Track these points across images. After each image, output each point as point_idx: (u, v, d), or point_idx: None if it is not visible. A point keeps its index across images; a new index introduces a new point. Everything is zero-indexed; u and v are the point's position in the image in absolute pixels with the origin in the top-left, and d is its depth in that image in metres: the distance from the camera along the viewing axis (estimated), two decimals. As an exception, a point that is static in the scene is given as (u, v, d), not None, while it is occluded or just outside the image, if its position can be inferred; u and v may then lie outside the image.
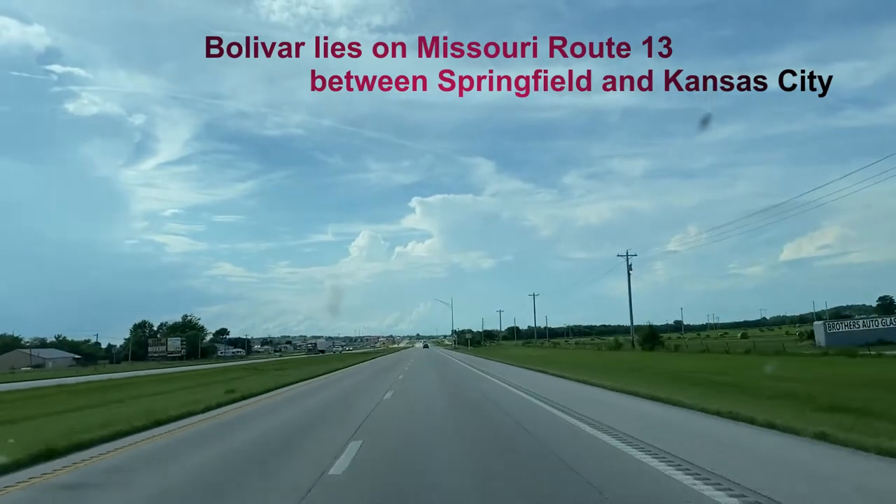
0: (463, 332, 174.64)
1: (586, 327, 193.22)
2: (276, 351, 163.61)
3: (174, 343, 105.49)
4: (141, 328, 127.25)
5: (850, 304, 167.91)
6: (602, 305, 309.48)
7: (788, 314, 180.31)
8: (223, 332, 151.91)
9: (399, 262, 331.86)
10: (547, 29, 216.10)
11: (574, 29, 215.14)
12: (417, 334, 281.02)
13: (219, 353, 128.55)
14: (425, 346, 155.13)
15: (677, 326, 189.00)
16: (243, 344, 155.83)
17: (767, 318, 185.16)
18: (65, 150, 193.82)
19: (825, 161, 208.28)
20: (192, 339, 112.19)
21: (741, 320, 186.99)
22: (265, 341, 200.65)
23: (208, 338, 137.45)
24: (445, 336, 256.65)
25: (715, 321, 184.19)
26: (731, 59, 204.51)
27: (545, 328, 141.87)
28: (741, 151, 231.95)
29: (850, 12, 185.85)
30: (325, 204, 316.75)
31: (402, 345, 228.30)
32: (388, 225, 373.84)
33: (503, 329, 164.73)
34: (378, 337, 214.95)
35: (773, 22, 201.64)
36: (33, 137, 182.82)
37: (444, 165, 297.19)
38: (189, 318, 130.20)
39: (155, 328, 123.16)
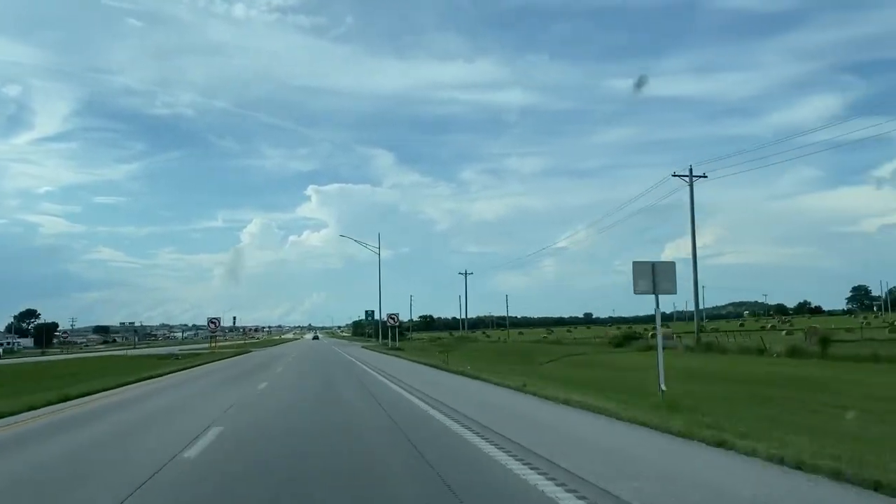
0: (360, 321, 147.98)
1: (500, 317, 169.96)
2: (105, 342, 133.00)
3: None
4: None
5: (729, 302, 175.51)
6: (494, 300, 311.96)
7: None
8: (30, 313, 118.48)
9: (293, 252, 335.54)
10: (450, 22, 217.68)
11: (476, 24, 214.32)
12: (309, 324, 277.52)
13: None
14: (315, 338, 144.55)
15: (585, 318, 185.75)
16: (46, 332, 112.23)
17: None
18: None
19: (706, 167, 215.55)
20: None
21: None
22: (99, 328, 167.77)
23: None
24: (340, 327, 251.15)
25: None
26: (624, 63, 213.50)
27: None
28: (630, 154, 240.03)
29: (735, 27, 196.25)
30: (215, 189, 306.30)
31: (289, 336, 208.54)
32: (282, 213, 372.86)
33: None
34: (215, 327, 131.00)
35: (663, 31, 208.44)
36: None
37: (342, 155, 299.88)
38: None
39: None
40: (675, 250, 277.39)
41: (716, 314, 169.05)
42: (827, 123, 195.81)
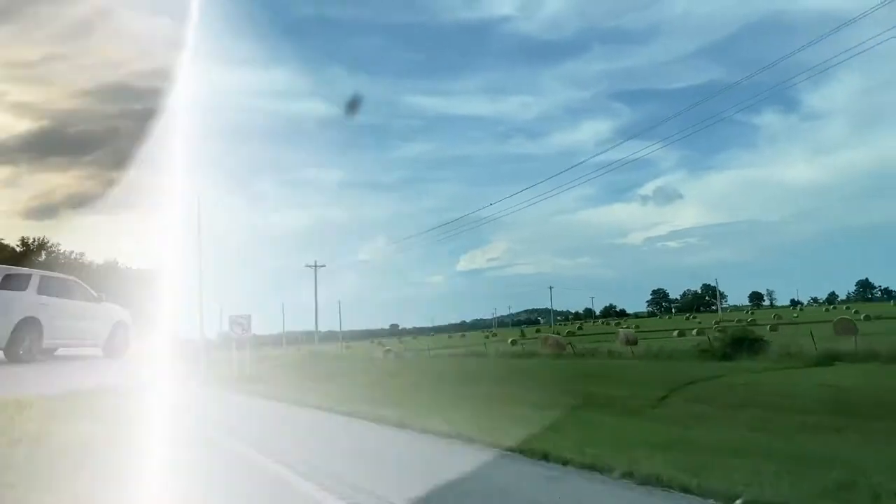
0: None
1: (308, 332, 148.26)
2: None
3: None
4: None
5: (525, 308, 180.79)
6: (298, 312, 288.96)
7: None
8: None
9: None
10: (242, 30, 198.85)
11: (268, 31, 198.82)
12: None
13: None
14: None
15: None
16: None
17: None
18: None
19: (497, 182, 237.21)
20: None
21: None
22: None
23: None
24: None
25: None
26: (422, 80, 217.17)
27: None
28: (428, 169, 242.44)
29: (521, 52, 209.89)
30: None
31: None
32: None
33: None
34: None
35: (458, 51, 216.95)
36: None
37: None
38: None
39: None
40: (469, 262, 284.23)
41: (518, 321, 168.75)
42: (600, 146, 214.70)
